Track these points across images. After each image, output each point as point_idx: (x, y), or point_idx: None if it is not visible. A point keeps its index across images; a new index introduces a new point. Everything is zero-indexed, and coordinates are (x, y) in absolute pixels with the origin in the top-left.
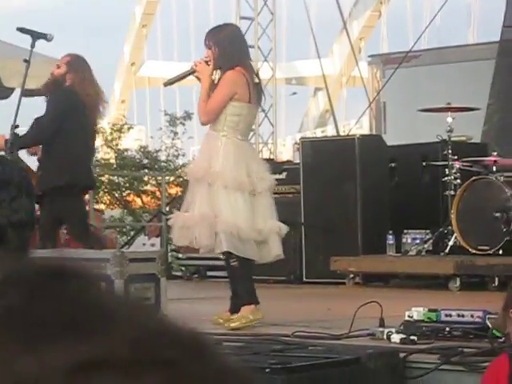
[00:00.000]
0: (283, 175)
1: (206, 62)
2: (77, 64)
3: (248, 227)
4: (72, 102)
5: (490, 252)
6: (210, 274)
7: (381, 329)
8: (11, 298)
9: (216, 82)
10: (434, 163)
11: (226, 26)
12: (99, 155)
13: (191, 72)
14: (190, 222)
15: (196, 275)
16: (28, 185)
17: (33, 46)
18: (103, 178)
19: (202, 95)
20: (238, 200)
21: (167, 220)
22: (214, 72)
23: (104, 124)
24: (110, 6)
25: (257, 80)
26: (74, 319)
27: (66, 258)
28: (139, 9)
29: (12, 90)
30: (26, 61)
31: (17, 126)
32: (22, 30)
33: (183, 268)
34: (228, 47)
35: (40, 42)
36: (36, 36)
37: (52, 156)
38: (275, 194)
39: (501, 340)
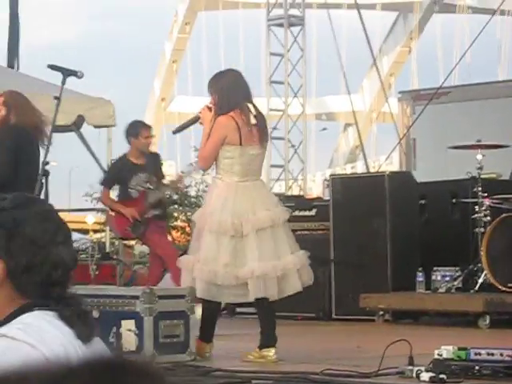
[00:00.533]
0: (313, 212)
1: (210, 109)
2: (13, 100)
3: (228, 272)
4: (23, 137)
5: None
6: (239, 310)
7: (410, 367)
8: None
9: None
10: (463, 200)
11: (225, 73)
12: None
13: (197, 119)
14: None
15: (225, 311)
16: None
17: (63, 82)
18: None
19: (202, 141)
20: (222, 243)
21: None
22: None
23: None
24: (140, 41)
25: (254, 121)
26: None
27: (124, 352)
28: (169, 45)
29: None
30: (56, 98)
31: (47, 163)
32: (52, 67)
33: None
34: (225, 94)
35: (70, 78)
36: (67, 73)
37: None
38: (305, 230)
39: None
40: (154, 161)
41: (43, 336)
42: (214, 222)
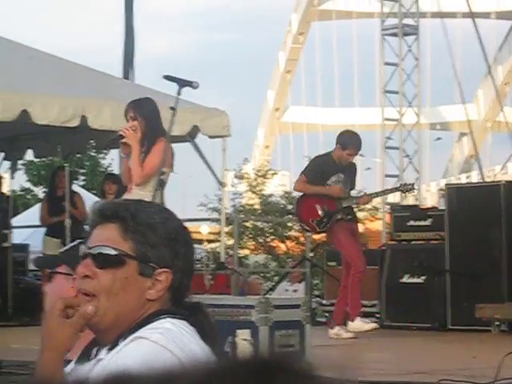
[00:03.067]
0: (428, 221)
1: (134, 131)
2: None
3: None
4: None
5: None
6: None
7: None
8: None
9: (144, 149)
10: None
11: (147, 100)
12: (243, 201)
13: (119, 138)
14: None
15: None
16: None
17: (179, 93)
18: (247, 224)
19: (135, 160)
20: None
21: (312, 266)
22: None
23: (248, 169)
24: (254, 51)
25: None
26: None
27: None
28: (283, 55)
29: None
30: (172, 108)
31: (163, 173)
32: (168, 77)
33: (327, 314)
34: (153, 119)
35: (184, 88)
36: (182, 84)
37: None
38: (420, 240)
39: None
40: (353, 170)
41: (183, 342)
42: None
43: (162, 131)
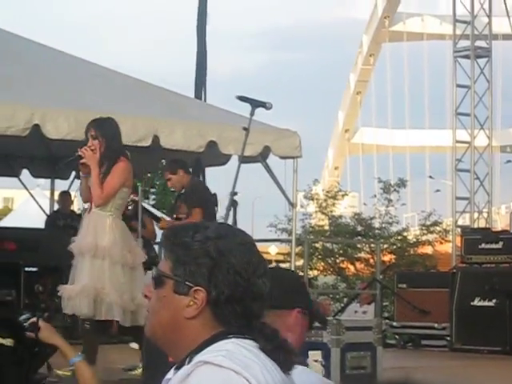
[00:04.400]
0: (499, 245)
1: (92, 151)
2: None
3: (128, 298)
4: None
5: None
6: (424, 342)
7: None
8: None
9: (103, 169)
10: None
11: (109, 120)
12: (313, 221)
13: (78, 157)
14: (72, 293)
15: (410, 344)
16: None
17: (252, 114)
18: (317, 245)
19: (94, 181)
20: (120, 273)
21: (382, 288)
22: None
23: (318, 190)
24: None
25: None
26: None
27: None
28: (353, 76)
29: (229, 156)
30: (245, 129)
31: (235, 193)
32: (241, 98)
33: (397, 336)
34: (114, 139)
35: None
36: (255, 104)
37: None
38: (491, 263)
39: None
40: None
41: (246, 362)
42: (115, 254)
43: (122, 151)
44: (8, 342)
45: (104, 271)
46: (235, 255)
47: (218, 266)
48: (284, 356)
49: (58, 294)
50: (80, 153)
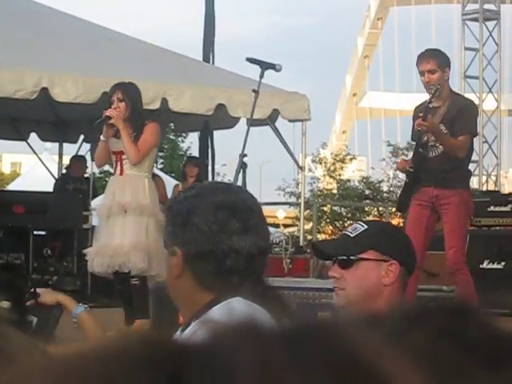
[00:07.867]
0: (508, 207)
1: (119, 112)
2: None
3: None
4: None
5: None
6: None
7: None
8: (416, 338)
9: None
10: None
11: (133, 84)
12: (321, 185)
13: (105, 120)
14: (121, 249)
15: None
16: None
17: (262, 76)
18: (325, 208)
19: (127, 140)
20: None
21: None
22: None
23: (326, 154)
24: (332, 36)
25: None
26: (488, 351)
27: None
28: (361, 40)
29: (237, 119)
30: (254, 91)
31: (245, 155)
32: (250, 60)
33: None
34: (138, 103)
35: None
36: (265, 66)
37: None
38: (500, 226)
39: None
40: None
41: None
42: (158, 212)
43: (150, 116)
44: (4, 304)
45: (150, 228)
46: (200, 213)
47: (185, 224)
48: (283, 310)
49: (85, 255)
50: (108, 113)
